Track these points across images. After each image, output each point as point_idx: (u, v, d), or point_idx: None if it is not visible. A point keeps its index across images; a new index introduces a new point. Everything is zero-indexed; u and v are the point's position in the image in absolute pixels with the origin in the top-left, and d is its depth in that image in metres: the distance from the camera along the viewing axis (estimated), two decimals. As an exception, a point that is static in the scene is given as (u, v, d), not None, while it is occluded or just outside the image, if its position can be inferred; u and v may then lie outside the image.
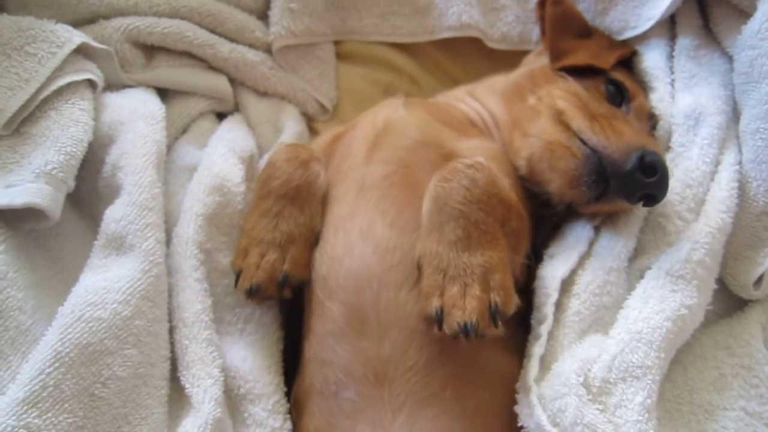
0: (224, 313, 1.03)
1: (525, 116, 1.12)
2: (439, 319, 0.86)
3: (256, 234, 1.02)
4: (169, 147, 1.20)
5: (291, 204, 1.04)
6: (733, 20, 1.17)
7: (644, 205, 0.99)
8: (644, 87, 1.20)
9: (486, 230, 0.90)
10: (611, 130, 1.01)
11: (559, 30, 1.21)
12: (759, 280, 1.03)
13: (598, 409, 0.87)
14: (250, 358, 1.00)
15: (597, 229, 1.04)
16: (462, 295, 0.86)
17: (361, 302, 0.93)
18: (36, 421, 0.80)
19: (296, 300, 1.04)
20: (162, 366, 0.94)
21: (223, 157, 1.15)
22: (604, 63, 1.17)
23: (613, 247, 1.00)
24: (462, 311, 0.85)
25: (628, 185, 0.97)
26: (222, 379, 0.95)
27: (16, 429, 0.79)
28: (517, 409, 0.91)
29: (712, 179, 1.06)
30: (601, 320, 0.96)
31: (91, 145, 1.07)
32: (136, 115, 1.13)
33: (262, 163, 1.19)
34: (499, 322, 0.86)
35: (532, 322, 0.98)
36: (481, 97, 1.22)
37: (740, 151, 1.07)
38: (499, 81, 1.25)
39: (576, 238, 1.03)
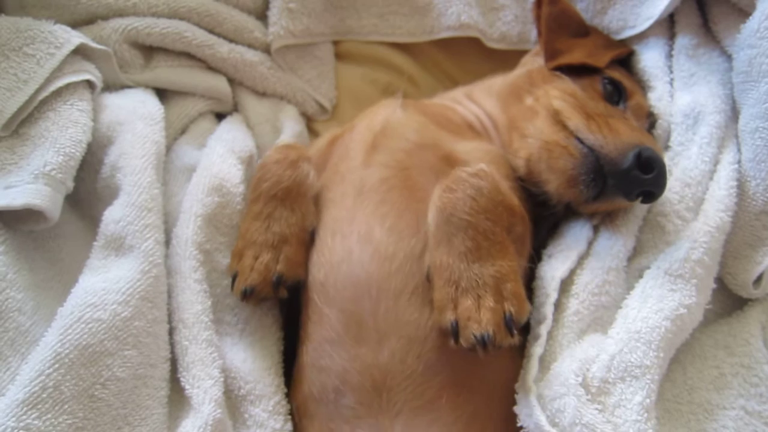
0: (224, 314, 1.03)
1: (522, 117, 1.12)
2: (455, 332, 0.86)
3: (249, 236, 1.02)
4: (168, 147, 1.20)
5: (282, 205, 1.04)
6: (733, 19, 1.17)
7: (643, 202, 0.99)
8: (643, 86, 1.20)
9: (495, 239, 0.90)
10: (608, 128, 1.01)
11: (554, 30, 1.21)
12: (758, 279, 1.04)
13: (597, 409, 0.87)
14: (251, 359, 1.00)
15: (596, 229, 1.04)
16: (476, 308, 0.86)
17: (359, 309, 0.93)
18: (36, 422, 0.80)
19: (297, 301, 1.04)
20: (162, 367, 0.94)
21: (221, 157, 1.15)
22: (600, 62, 1.17)
23: (612, 247, 1.00)
24: (478, 324, 0.85)
25: (626, 183, 0.97)
26: (222, 380, 0.95)
27: (15, 430, 0.79)
28: (517, 409, 0.91)
29: (711, 178, 1.06)
30: (600, 320, 0.96)
31: (89, 145, 1.07)
32: (135, 116, 1.13)
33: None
34: (515, 331, 0.86)
35: (531, 322, 0.98)
36: (478, 99, 1.22)
37: (739, 150, 1.08)
38: (497, 82, 1.25)
39: (575, 237, 1.03)
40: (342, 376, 0.92)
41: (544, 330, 0.95)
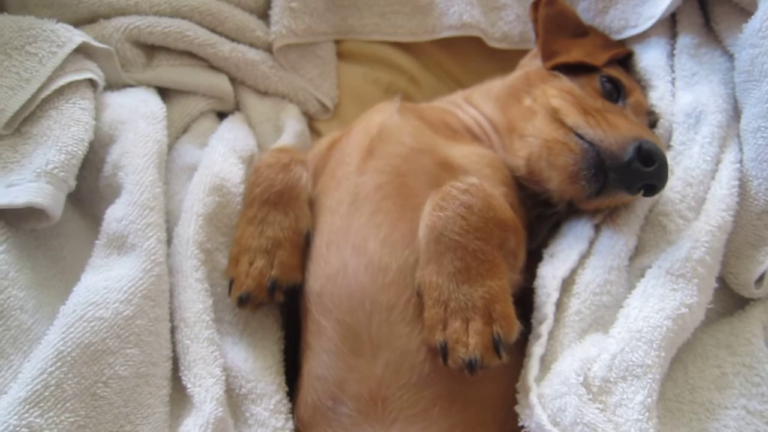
0: (225, 313, 1.04)
1: (521, 117, 1.12)
2: (443, 352, 0.87)
3: (244, 242, 1.03)
4: (170, 146, 1.20)
5: (275, 209, 1.04)
6: (734, 18, 1.17)
7: (645, 195, 0.99)
8: (644, 86, 1.20)
9: (485, 259, 0.90)
10: (607, 123, 1.01)
11: (552, 31, 1.21)
12: (760, 279, 1.03)
13: (598, 408, 0.87)
14: (252, 358, 1.00)
15: (597, 228, 1.04)
16: (465, 330, 0.86)
17: (354, 321, 0.93)
18: (38, 420, 0.80)
19: (298, 301, 1.04)
20: (164, 365, 0.95)
21: (223, 156, 1.15)
22: (597, 60, 1.17)
23: (614, 246, 1.00)
24: (465, 348, 0.86)
25: (628, 176, 0.97)
26: (223, 378, 0.95)
27: (18, 428, 0.79)
28: (518, 408, 0.91)
29: (713, 178, 1.06)
30: (602, 319, 0.96)
31: (92, 144, 1.07)
32: (137, 115, 1.13)
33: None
34: (503, 352, 0.86)
35: (533, 321, 0.98)
36: (477, 103, 1.22)
37: (741, 150, 1.07)
38: (495, 85, 1.25)
39: (576, 236, 1.03)
40: (340, 386, 0.93)
41: (545, 329, 0.95)
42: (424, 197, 0.96)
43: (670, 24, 1.26)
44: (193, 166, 1.16)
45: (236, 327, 1.03)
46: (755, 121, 1.04)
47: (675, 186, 1.04)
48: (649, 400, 0.87)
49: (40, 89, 1.05)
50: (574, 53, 1.18)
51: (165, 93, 1.28)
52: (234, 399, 0.97)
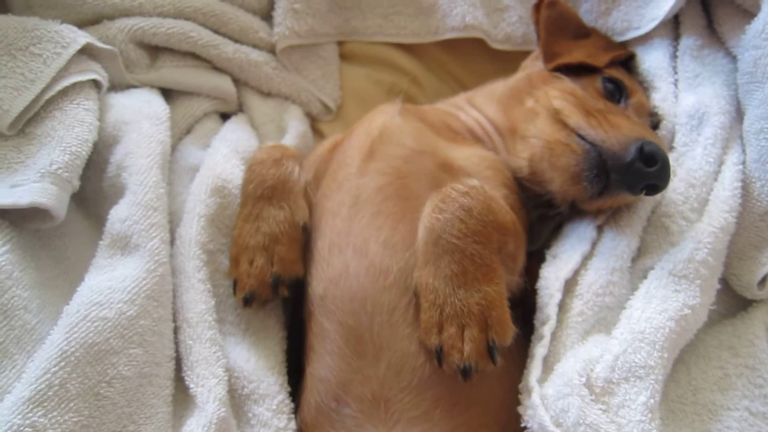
0: (227, 314, 1.04)
1: (523, 119, 1.12)
2: (438, 356, 0.88)
3: (242, 241, 1.03)
4: (173, 147, 1.20)
5: (269, 203, 1.05)
6: (737, 20, 1.17)
7: (647, 194, 0.99)
8: (646, 87, 1.20)
9: (482, 263, 0.89)
10: (608, 123, 1.01)
11: (553, 33, 1.21)
12: (763, 280, 1.03)
13: (600, 409, 0.87)
14: (254, 358, 1.00)
15: (600, 229, 1.04)
16: (460, 336, 0.87)
17: (357, 323, 0.93)
18: (41, 420, 0.81)
19: (301, 300, 1.05)
20: (167, 365, 0.95)
21: (225, 157, 1.15)
22: (599, 62, 1.18)
23: (616, 247, 1.00)
24: (460, 354, 0.86)
25: (630, 176, 0.97)
26: (226, 378, 0.95)
27: (22, 428, 0.79)
28: (520, 409, 0.91)
29: (716, 179, 1.05)
30: (604, 320, 0.96)
31: (95, 145, 1.07)
32: (141, 116, 1.13)
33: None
34: (498, 357, 0.87)
35: (535, 322, 0.99)
36: (480, 105, 1.23)
37: (744, 151, 1.07)
38: (498, 87, 1.25)
39: (579, 238, 1.03)
40: (343, 387, 0.93)
41: (547, 331, 0.95)
42: (425, 199, 0.96)
43: (673, 26, 1.26)
44: (196, 167, 1.16)
45: (239, 327, 1.04)
46: (758, 122, 1.04)
47: (677, 187, 1.04)
48: (652, 401, 0.87)
49: (44, 90, 1.06)
50: (576, 54, 1.18)
51: (168, 94, 1.29)
52: (236, 399, 0.97)
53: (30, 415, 0.80)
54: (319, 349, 0.97)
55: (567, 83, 1.13)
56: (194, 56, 1.32)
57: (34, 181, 0.97)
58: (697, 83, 1.16)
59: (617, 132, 1.00)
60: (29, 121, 1.05)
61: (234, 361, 0.98)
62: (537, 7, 1.26)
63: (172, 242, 1.05)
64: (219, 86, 1.33)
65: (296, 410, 1.00)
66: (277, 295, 1.02)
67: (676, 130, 1.12)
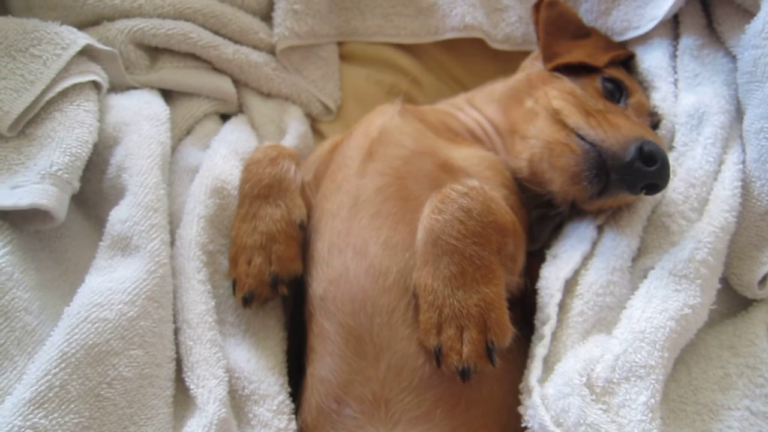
0: (227, 315, 1.04)
1: (523, 119, 1.12)
2: (437, 357, 0.88)
3: (240, 241, 1.03)
4: (174, 148, 1.20)
5: (265, 202, 1.05)
6: (737, 20, 1.17)
7: (647, 194, 0.99)
8: (646, 87, 1.20)
9: (481, 264, 0.89)
10: (608, 123, 1.01)
11: (553, 33, 1.21)
12: (763, 280, 1.03)
13: (601, 409, 0.87)
14: (254, 359, 1.00)
15: (600, 229, 1.05)
16: (458, 338, 0.87)
17: (357, 324, 0.94)
18: (42, 421, 0.81)
19: (301, 300, 1.05)
20: (167, 367, 0.95)
21: (224, 158, 1.15)
22: (598, 61, 1.18)
23: (617, 247, 1.00)
24: (459, 355, 0.86)
25: (630, 176, 0.97)
26: (227, 379, 0.95)
27: (22, 429, 0.80)
28: (521, 409, 0.91)
29: (716, 179, 1.06)
30: (605, 320, 0.96)
31: (96, 146, 1.08)
32: (141, 117, 1.13)
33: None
34: (497, 358, 0.87)
35: (536, 322, 0.99)
36: (480, 106, 1.23)
37: (744, 151, 1.07)
38: (497, 87, 1.25)
39: (579, 238, 1.04)
40: (344, 388, 0.93)
41: (548, 331, 0.95)
42: (425, 200, 0.96)
43: (673, 25, 1.26)
44: (196, 168, 1.16)
45: (239, 328, 1.04)
46: (758, 122, 1.04)
47: (678, 187, 1.04)
48: (653, 400, 0.87)
49: (44, 91, 1.06)
50: (575, 54, 1.18)
51: (168, 95, 1.29)
52: (237, 400, 0.97)
53: (31, 416, 0.80)
54: (320, 350, 0.97)
55: (566, 83, 1.13)
56: (194, 57, 1.32)
57: (34, 183, 0.97)
58: (697, 83, 1.16)
59: (617, 132, 1.00)
60: (29, 122, 1.05)
61: (234, 362, 0.98)
62: (537, 7, 1.26)
63: (172, 243, 1.05)
64: (219, 87, 1.33)
65: (297, 411, 1.00)
66: (276, 294, 1.02)
67: (676, 129, 1.12)
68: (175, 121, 1.23)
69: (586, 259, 1.01)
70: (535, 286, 1.01)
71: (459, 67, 1.49)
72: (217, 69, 1.34)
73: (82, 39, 1.13)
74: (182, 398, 0.95)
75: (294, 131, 1.33)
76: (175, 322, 0.99)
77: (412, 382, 0.91)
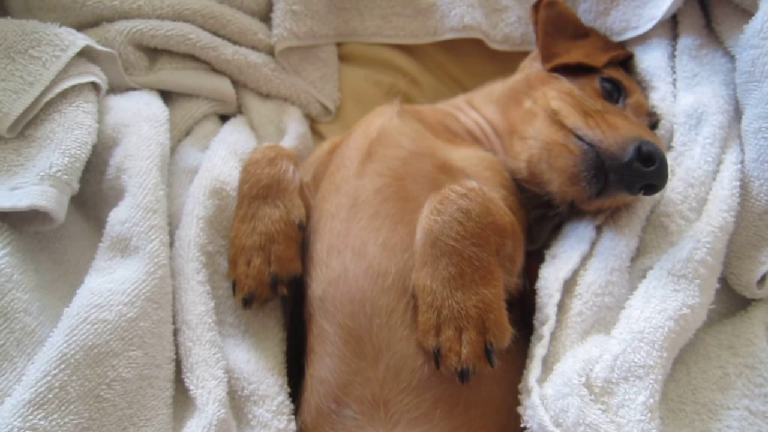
0: (227, 315, 1.04)
1: (522, 120, 1.12)
2: (436, 357, 0.88)
3: (239, 242, 1.03)
4: (173, 149, 1.21)
5: (264, 202, 1.05)
6: (735, 19, 1.17)
7: (645, 194, 0.99)
8: (645, 87, 1.21)
9: (480, 265, 0.89)
10: (606, 124, 1.01)
11: (552, 33, 1.22)
12: (762, 279, 1.03)
13: (600, 409, 0.87)
14: (254, 360, 1.00)
15: (599, 229, 1.05)
16: (457, 339, 0.87)
17: (356, 325, 0.94)
18: (42, 422, 0.81)
19: (300, 300, 1.05)
20: (167, 367, 0.95)
21: (223, 159, 1.15)
22: (597, 62, 1.18)
23: (615, 247, 1.01)
24: (458, 357, 0.86)
25: (628, 176, 0.97)
26: (226, 380, 0.95)
27: (22, 430, 0.80)
28: (520, 409, 0.91)
29: (714, 178, 1.06)
30: (603, 320, 0.97)
31: (95, 147, 1.08)
32: (140, 118, 1.13)
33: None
34: (495, 359, 0.87)
35: (535, 322, 0.99)
36: (479, 106, 1.23)
37: (742, 150, 1.08)
38: (496, 88, 1.25)
39: (578, 238, 1.04)
40: (344, 389, 0.93)
41: (547, 331, 0.95)
42: (424, 200, 0.96)
43: (671, 25, 1.26)
44: (195, 169, 1.16)
45: (238, 329, 1.04)
46: (756, 121, 1.05)
47: (676, 187, 1.05)
48: (651, 400, 0.87)
49: (43, 92, 1.06)
50: (574, 55, 1.18)
51: (167, 96, 1.29)
52: (236, 400, 0.97)
53: (30, 417, 0.80)
54: (319, 351, 0.97)
55: (565, 84, 1.13)
56: (193, 58, 1.32)
57: (33, 184, 0.97)
58: (696, 83, 1.16)
59: (615, 132, 1.00)
60: (28, 123, 1.05)
61: (234, 363, 0.98)
62: (536, 8, 1.26)
63: (171, 244, 1.05)
64: (218, 88, 1.33)
65: (296, 412, 1.00)
66: (276, 294, 1.02)
67: (675, 129, 1.12)
68: (174, 122, 1.23)
69: (585, 259, 1.01)
70: (534, 287, 1.01)
71: (458, 68, 1.49)
72: (216, 70, 1.34)
73: (81, 40, 1.13)
74: (182, 399, 0.95)
75: (293, 132, 1.33)
76: (174, 323, 0.99)
77: (411, 383, 0.91)
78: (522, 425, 0.90)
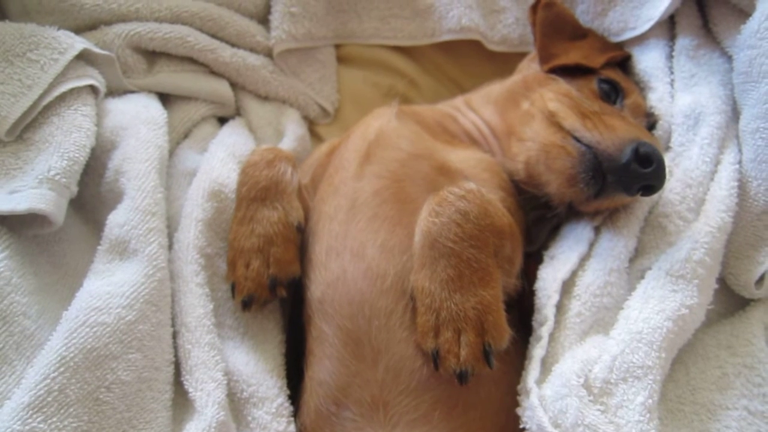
0: (226, 318, 1.04)
1: (520, 122, 1.12)
2: (435, 359, 0.88)
3: (237, 244, 1.03)
4: (171, 152, 1.21)
5: (262, 205, 1.05)
6: (733, 20, 1.18)
7: (643, 195, 0.99)
8: (643, 87, 1.21)
9: (478, 267, 0.89)
10: (604, 125, 1.02)
11: (550, 34, 1.22)
12: (761, 279, 1.04)
13: (599, 409, 0.87)
14: (253, 362, 1.00)
15: (597, 230, 1.05)
16: (456, 341, 0.87)
17: (355, 327, 0.94)
18: (41, 425, 0.81)
19: (299, 302, 1.05)
20: (166, 370, 0.95)
21: (222, 162, 1.15)
22: (595, 63, 1.18)
23: (614, 248, 1.01)
24: (456, 358, 0.86)
25: (626, 178, 0.97)
26: (225, 382, 0.95)
27: (21, 433, 0.80)
28: (519, 410, 0.91)
29: (712, 179, 1.06)
30: (602, 321, 0.97)
31: (93, 150, 1.08)
32: (139, 121, 1.13)
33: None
34: (494, 360, 0.87)
35: (533, 323, 0.99)
36: (477, 108, 1.23)
37: (740, 151, 1.08)
38: (494, 89, 1.25)
39: (576, 239, 1.04)
40: (343, 391, 0.93)
41: (545, 332, 0.95)
42: (422, 202, 0.96)
43: (669, 26, 1.26)
44: (193, 172, 1.16)
45: (237, 331, 1.04)
46: (754, 122, 1.05)
47: (674, 187, 1.05)
48: (650, 401, 0.87)
49: (41, 96, 1.06)
50: (572, 56, 1.18)
51: (166, 98, 1.29)
52: (236, 403, 0.97)
53: (30, 420, 0.81)
54: (319, 353, 0.97)
55: (562, 85, 1.13)
56: (191, 61, 1.32)
57: (32, 187, 0.97)
58: (693, 83, 1.16)
59: (612, 133, 1.00)
60: (27, 127, 1.05)
61: (233, 365, 0.99)
62: (534, 9, 1.26)
63: (170, 247, 1.05)
64: (216, 90, 1.33)
65: (296, 414, 1.00)
66: (275, 296, 1.02)
67: (673, 130, 1.12)
68: (172, 124, 1.23)
69: (584, 260, 1.01)
70: (533, 288, 1.01)
71: (456, 69, 1.50)
72: (214, 72, 1.35)
73: (79, 43, 1.13)
74: (181, 401, 0.95)
75: (292, 134, 1.33)
76: (173, 325, 0.99)
77: (411, 385, 0.91)
78: (521, 426, 0.90)
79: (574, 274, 1.00)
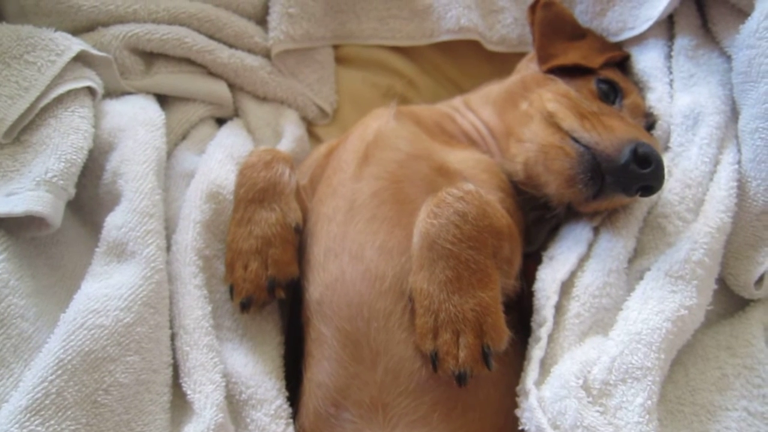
0: (224, 319, 1.04)
1: (518, 122, 1.12)
2: (434, 361, 0.88)
3: (235, 246, 1.03)
4: (169, 153, 1.20)
5: (260, 206, 1.05)
6: (732, 20, 1.17)
7: (642, 196, 0.99)
8: (642, 87, 1.21)
9: (477, 269, 0.89)
10: (602, 126, 1.01)
11: (548, 34, 1.22)
12: (760, 280, 1.03)
13: (598, 411, 0.87)
14: (251, 364, 1.00)
15: (596, 231, 1.05)
16: (455, 343, 0.87)
17: (354, 329, 0.94)
18: (39, 428, 0.81)
19: (298, 304, 1.05)
20: (164, 372, 0.95)
21: (220, 163, 1.15)
22: (593, 63, 1.18)
23: (612, 249, 1.00)
24: (455, 360, 0.86)
25: (624, 178, 0.97)
26: (224, 384, 0.95)
27: (19, 437, 0.79)
28: (518, 412, 0.91)
29: (711, 179, 1.06)
30: (601, 322, 0.96)
31: (91, 152, 1.08)
32: (136, 122, 1.13)
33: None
34: (493, 362, 0.87)
35: (532, 324, 0.99)
36: (475, 108, 1.23)
37: (739, 151, 1.08)
38: (493, 90, 1.25)
39: (575, 239, 1.04)
40: (342, 392, 0.93)
41: (544, 333, 0.95)
42: (421, 203, 0.96)
43: (668, 26, 1.26)
44: (192, 173, 1.16)
45: (235, 333, 1.04)
46: (753, 122, 1.04)
47: (673, 188, 1.04)
48: (650, 402, 0.87)
49: (39, 98, 1.06)
50: (571, 56, 1.18)
51: (164, 100, 1.29)
52: (234, 405, 0.97)
53: (27, 424, 0.80)
54: (317, 355, 0.97)
55: (561, 85, 1.13)
56: (189, 62, 1.32)
57: (29, 190, 0.97)
58: (692, 83, 1.16)
59: (611, 134, 1.00)
60: (24, 129, 1.05)
61: (231, 367, 0.98)
62: (532, 9, 1.26)
63: (168, 249, 1.05)
64: (214, 91, 1.33)
65: (295, 416, 1.00)
66: (273, 298, 1.02)
67: (672, 130, 1.12)
68: (170, 126, 1.23)
69: (582, 260, 1.01)
70: (532, 289, 1.01)
71: (454, 69, 1.49)
72: (212, 73, 1.34)
73: (76, 45, 1.13)
74: (179, 404, 0.95)
75: (290, 135, 1.33)
76: (171, 327, 0.99)
77: (410, 386, 0.91)
78: (520, 428, 0.90)
79: (573, 275, 0.99)
